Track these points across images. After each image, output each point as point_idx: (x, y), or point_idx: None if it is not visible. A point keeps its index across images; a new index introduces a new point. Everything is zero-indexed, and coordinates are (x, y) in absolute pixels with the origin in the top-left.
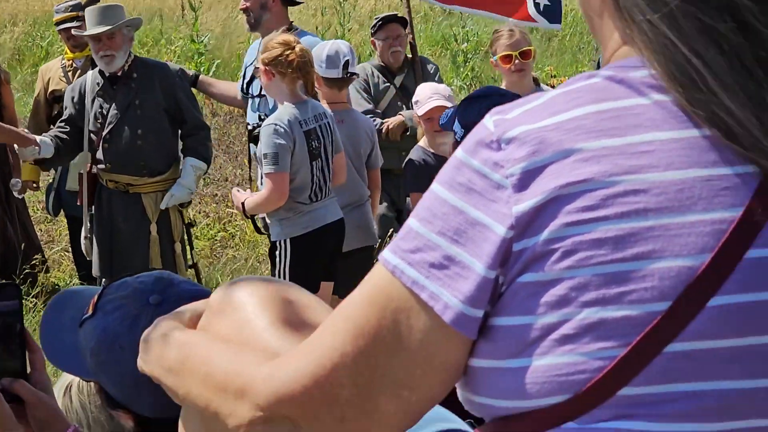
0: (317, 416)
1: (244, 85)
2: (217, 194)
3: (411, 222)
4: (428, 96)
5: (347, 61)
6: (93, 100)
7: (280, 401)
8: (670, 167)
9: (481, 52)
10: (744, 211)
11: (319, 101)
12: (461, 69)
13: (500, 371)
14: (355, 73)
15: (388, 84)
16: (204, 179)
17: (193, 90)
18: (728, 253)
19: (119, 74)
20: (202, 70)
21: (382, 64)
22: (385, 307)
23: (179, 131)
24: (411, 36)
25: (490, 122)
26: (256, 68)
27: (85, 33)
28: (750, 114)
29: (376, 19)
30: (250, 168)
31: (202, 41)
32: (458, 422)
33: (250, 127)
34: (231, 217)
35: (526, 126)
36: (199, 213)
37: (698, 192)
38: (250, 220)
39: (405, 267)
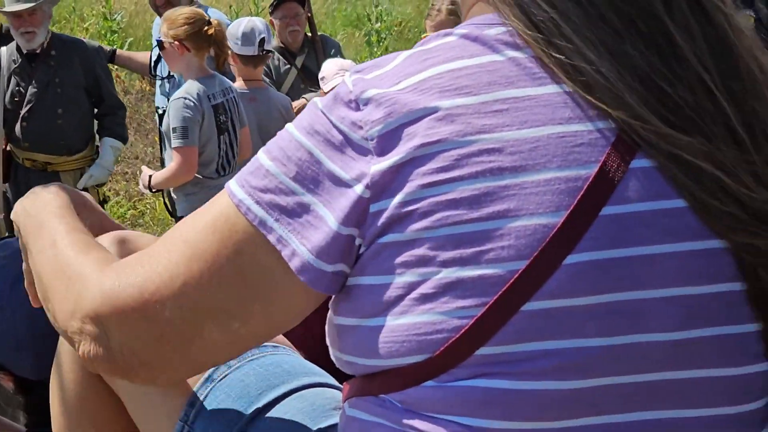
0: (136, 332)
1: (152, 66)
2: (127, 172)
3: (262, 159)
4: (334, 72)
5: (263, 38)
6: (9, 78)
7: (100, 311)
8: (525, 125)
9: (395, 32)
10: (599, 167)
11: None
12: (375, 48)
13: (362, 330)
14: (270, 51)
15: (289, 65)
16: None
17: (111, 66)
18: (583, 210)
19: (38, 51)
20: (115, 48)
21: (282, 45)
22: (228, 237)
23: (95, 109)
24: (309, 14)
25: (350, 80)
26: (160, 43)
27: (6, 9)
28: (610, 66)
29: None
30: (161, 148)
31: (115, 19)
32: (326, 376)
33: (160, 111)
34: (141, 195)
35: (382, 88)
36: (110, 191)
37: (553, 149)
38: (162, 198)
39: (252, 204)
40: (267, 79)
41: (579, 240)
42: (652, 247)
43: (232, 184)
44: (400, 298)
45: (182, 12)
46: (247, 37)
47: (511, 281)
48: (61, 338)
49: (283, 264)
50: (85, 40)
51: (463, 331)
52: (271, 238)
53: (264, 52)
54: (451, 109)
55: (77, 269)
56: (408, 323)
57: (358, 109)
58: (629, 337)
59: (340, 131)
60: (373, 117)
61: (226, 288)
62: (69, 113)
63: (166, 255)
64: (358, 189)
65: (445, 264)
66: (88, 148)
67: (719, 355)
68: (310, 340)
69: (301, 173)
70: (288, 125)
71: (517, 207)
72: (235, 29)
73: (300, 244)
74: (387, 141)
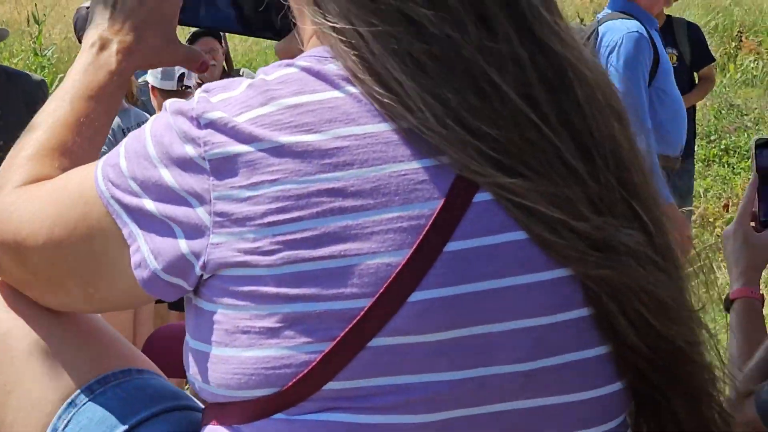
0: (14, 261)
1: None
2: None
3: (121, 153)
4: None
5: (182, 73)
6: None
7: None
8: (365, 164)
9: None
10: (442, 204)
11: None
12: None
13: (212, 358)
14: (189, 87)
15: None
16: None
17: None
18: (427, 247)
19: None
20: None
21: (199, 81)
22: (86, 218)
23: None
24: (225, 49)
25: (197, 96)
26: None
27: None
28: (428, 112)
29: (189, 33)
30: None
31: (45, 54)
32: (191, 399)
33: None
34: None
35: (223, 115)
36: None
37: (395, 188)
38: None
39: (109, 197)
40: None
41: (423, 277)
42: (499, 280)
43: (99, 170)
44: (247, 330)
45: None
46: (166, 72)
47: (357, 318)
48: None
49: (127, 258)
50: (30, 74)
51: (311, 366)
52: (125, 231)
53: (183, 88)
54: (292, 146)
55: (14, 163)
56: (256, 356)
57: (199, 127)
58: (478, 370)
59: (180, 144)
60: (213, 140)
61: (79, 260)
62: (10, 145)
63: (39, 210)
64: (201, 213)
65: (290, 300)
66: None
67: (573, 380)
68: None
69: (144, 179)
70: (147, 123)
71: (359, 246)
72: None
73: (145, 243)
74: (224, 167)
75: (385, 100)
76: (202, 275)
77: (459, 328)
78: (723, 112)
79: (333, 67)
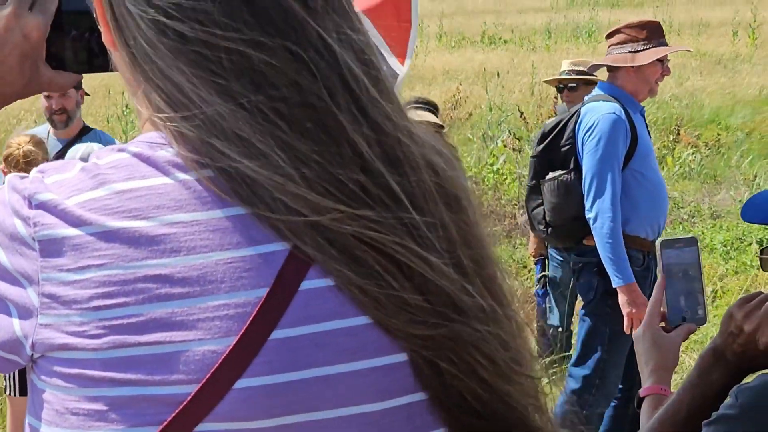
0: None
1: None
2: None
3: None
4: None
5: None
6: None
7: None
8: (192, 251)
9: None
10: (268, 291)
11: None
12: None
13: None
14: None
15: None
16: None
17: None
18: (252, 335)
19: None
20: None
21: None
22: None
23: None
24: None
25: (32, 175)
26: None
27: None
28: (275, 180)
29: None
30: None
31: None
32: None
33: None
34: None
35: (54, 197)
36: None
37: (221, 275)
38: None
39: None
40: None
41: (249, 364)
42: (327, 368)
43: None
44: (76, 412)
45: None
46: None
47: (184, 403)
48: None
49: None
50: None
51: None
52: None
53: None
54: (119, 231)
55: None
56: None
57: (30, 207)
58: None
59: (12, 222)
60: (43, 221)
61: None
62: None
63: None
64: (31, 294)
65: (117, 384)
66: None
67: None
68: None
69: None
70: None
71: (185, 333)
72: (74, 154)
73: None
74: (52, 248)
75: (222, 183)
76: (32, 354)
77: (285, 416)
78: None
79: (164, 154)
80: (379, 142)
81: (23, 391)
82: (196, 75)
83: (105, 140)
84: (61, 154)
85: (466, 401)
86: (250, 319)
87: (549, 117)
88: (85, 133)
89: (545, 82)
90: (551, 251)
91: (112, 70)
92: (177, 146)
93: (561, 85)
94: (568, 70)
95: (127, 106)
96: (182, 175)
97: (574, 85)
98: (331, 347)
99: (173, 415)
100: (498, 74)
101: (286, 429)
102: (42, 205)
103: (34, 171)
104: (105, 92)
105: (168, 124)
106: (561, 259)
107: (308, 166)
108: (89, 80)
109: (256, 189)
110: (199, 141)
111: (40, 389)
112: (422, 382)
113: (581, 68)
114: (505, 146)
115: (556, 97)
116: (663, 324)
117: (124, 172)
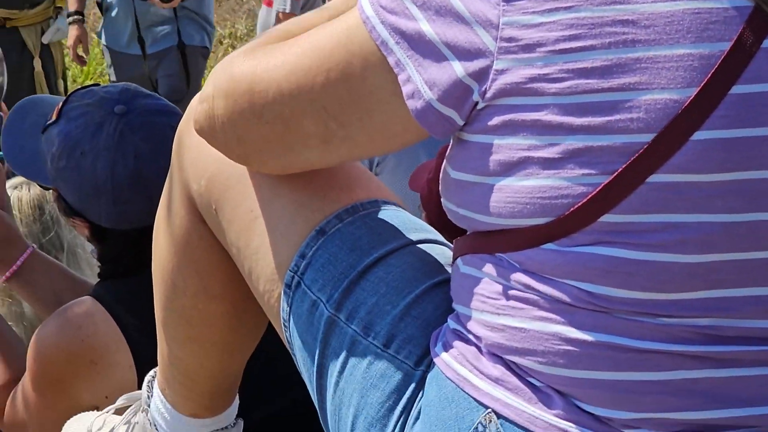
0: (240, 108)
1: None
2: None
3: None
4: None
5: None
6: None
7: (218, 87)
8: None
9: None
10: (732, 45)
11: None
12: None
13: (483, 187)
14: None
15: None
16: None
17: None
18: (714, 87)
19: None
20: None
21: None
22: (345, 45)
23: None
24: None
25: None
26: None
27: None
28: None
29: None
30: None
31: None
32: (435, 233)
33: None
34: None
35: None
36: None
37: (687, 25)
38: None
39: (377, 23)
40: None
41: (708, 117)
42: None
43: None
44: (523, 161)
45: None
46: None
47: (639, 152)
48: (168, 186)
49: (393, 86)
50: None
51: (588, 197)
52: (391, 59)
53: None
54: None
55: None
56: (532, 186)
57: None
58: (750, 215)
59: None
60: None
61: (329, 87)
62: None
63: (289, 47)
64: (485, 38)
65: (573, 131)
66: (47, 1)
67: None
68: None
69: (428, 2)
70: None
71: (648, 80)
72: None
73: (416, 72)
74: None
75: None
76: (476, 104)
77: (737, 171)
78: None
79: None
80: None
81: None
82: None
83: None
84: None
85: None
86: (712, 70)
87: None
88: None
89: None
90: None
91: None
92: None
93: None
94: None
95: None
96: None
97: None
98: None
99: (626, 164)
100: None
101: (735, 185)
102: None
103: None
104: None
105: None
106: None
107: None
108: None
109: None
110: None
111: (478, 143)
112: None
113: None
114: None
115: None
116: None
117: None
